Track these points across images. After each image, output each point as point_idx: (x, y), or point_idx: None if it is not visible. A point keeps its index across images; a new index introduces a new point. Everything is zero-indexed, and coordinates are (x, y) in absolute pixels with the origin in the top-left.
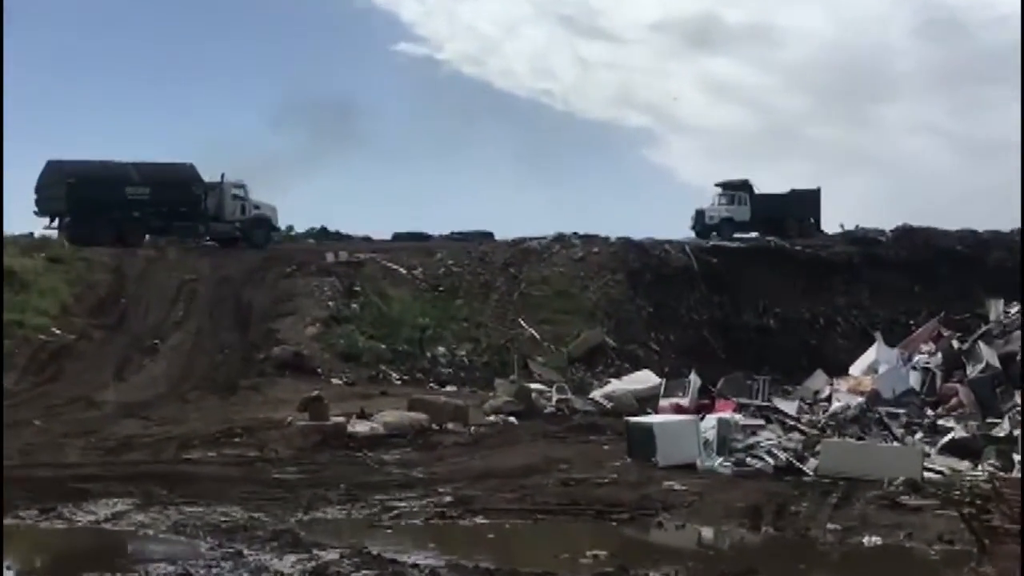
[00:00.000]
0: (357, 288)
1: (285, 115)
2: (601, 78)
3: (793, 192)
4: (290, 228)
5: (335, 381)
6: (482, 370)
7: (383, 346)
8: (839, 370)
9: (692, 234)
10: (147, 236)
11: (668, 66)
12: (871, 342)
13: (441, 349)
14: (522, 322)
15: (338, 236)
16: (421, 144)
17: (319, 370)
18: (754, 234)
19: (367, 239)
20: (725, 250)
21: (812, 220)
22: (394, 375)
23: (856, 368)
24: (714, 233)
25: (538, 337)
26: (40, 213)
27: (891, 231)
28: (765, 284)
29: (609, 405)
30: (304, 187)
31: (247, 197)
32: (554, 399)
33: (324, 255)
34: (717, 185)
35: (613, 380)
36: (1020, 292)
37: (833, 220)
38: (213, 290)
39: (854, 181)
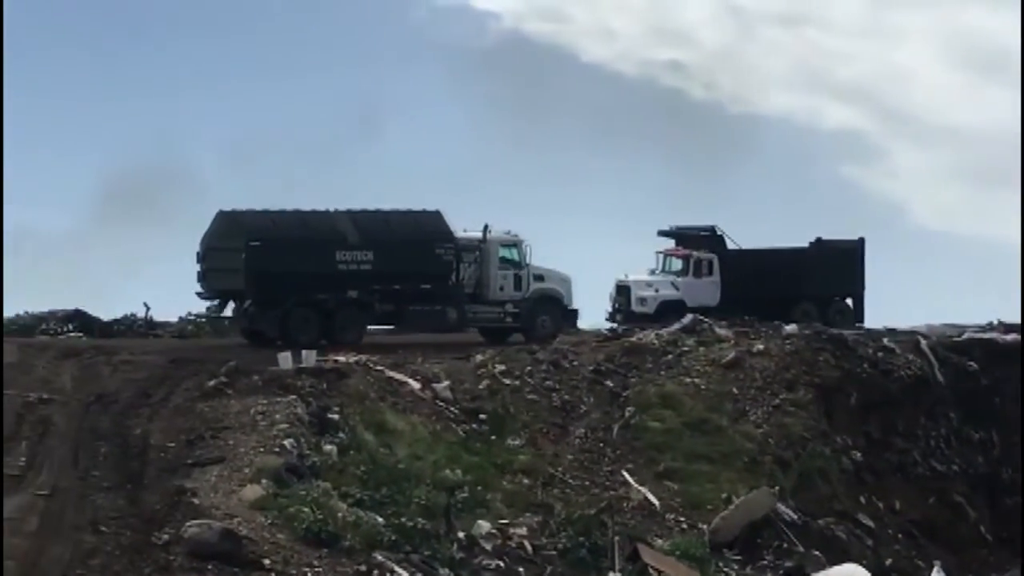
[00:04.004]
0: (335, 415)
1: None
2: (771, 40)
3: (815, 247)
4: None
5: None
6: (557, 562)
7: (380, 520)
8: None
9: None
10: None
11: (891, 18)
12: None
13: (484, 525)
14: (627, 476)
15: None
16: (433, 155)
17: (266, 562)
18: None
19: None
20: (990, 347)
21: (846, 302)
22: (402, 572)
23: None
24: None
25: (656, 504)
26: (206, 293)
27: None
28: None
29: None
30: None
31: (525, 262)
32: None
33: (276, 357)
34: (662, 234)
35: None
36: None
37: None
38: (78, 418)
39: None
